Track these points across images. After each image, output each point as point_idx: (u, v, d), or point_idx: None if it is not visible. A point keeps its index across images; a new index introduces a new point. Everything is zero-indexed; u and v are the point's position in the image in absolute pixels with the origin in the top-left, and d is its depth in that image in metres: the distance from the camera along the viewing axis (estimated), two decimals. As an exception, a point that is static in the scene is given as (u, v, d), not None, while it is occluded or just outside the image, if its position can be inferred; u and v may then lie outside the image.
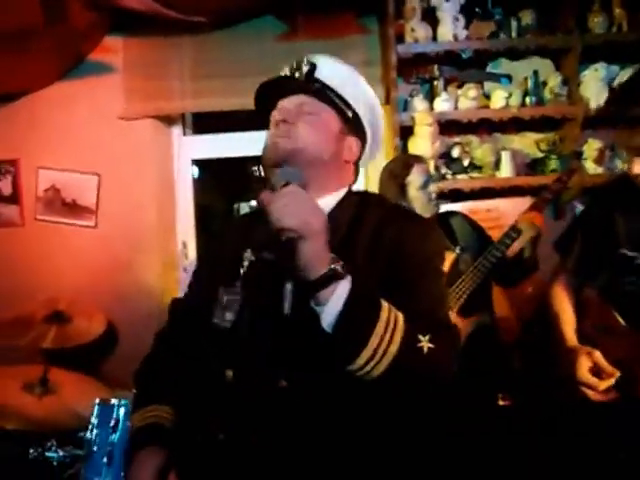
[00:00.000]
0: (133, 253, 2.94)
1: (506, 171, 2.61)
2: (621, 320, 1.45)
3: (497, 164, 2.64)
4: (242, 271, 1.09)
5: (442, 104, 2.58)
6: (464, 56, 2.55)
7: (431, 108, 2.63)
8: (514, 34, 2.56)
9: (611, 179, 1.58)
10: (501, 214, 2.78)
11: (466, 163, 2.66)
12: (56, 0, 2.45)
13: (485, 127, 2.70)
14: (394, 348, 0.91)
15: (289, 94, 1.12)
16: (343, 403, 1.02)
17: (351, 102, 1.14)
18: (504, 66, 2.68)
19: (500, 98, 2.56)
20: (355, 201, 1.13)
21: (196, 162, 3.20)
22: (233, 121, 3.16)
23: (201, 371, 1.14)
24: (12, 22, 2.43)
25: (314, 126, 1.08)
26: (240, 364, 1.05)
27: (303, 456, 1.01)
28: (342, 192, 1.15)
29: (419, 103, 2.63)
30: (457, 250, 2.11)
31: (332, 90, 1.12)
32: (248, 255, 1.10)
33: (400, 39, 2.59)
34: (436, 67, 2.64)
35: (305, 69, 1.11)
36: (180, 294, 3.02)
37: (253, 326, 1.04)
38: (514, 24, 2.55)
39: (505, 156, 2.61)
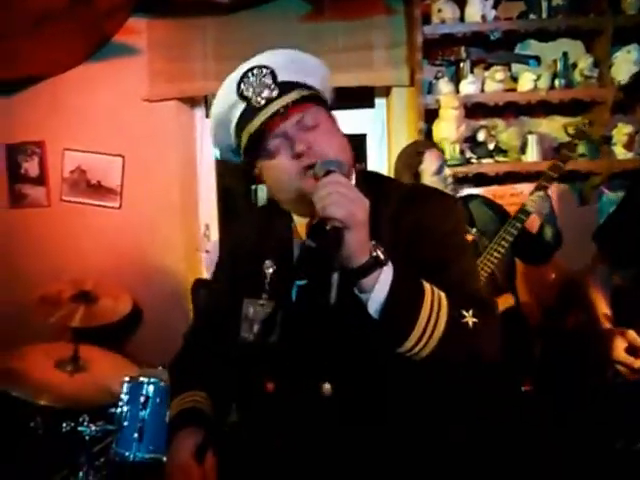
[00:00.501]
0: (156, 234, 2.97)
1: (532, 155, 2.57)
2: None
3: (523, 148, 2.60)
4: (267, 282, 1.10)
5: (468, 87, 2.54)
6: (492, 37, 2.50)
7: (457, 91, 2.59)
8: (544, 14, 2.49)
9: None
10: (526, 198, 2.75)
11: (491, 147, 2.63)
12: (81, -19, 2.45)
13: (512, 110, 2.66)
14: (441, 326, 0.92)
15: (276, 119, 1.02)
16: (386, 408, 1.04)
17: (315, 85, 1.09)
18: (533, 48, 2.62)
19: (528, 80, 2.51)
20: (368, 184, 1.10)
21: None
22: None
23: (237, 382, 1.16)
24: (37, 4, 2.44)
25: (327, 138, 1.04)
26: (280, 374, 1.07)
27: (349, 463, 1.03)
28: (353, 175, 1.12)
29: (444, 85, 2.59)
30: (474, 233, 2.10)
31: (301, 84, 1.05)
32: (269, 264, 1.11)
33: (426, 20, 2.55)
34: (463, 49, 2.59)
35: (269, 80, 1.02)
36: (202, 275, 3.09)
37: (291, 333, 1.05)
38: (544, 4, 2.48)
39: (531, 140, 2.57)
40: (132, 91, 2.89)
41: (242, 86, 1.02)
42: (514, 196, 2.75)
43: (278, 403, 1.07)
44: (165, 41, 2.88)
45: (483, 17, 2.48)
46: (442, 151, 2.45)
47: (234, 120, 1.05)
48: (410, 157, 2.15)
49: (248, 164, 1.11)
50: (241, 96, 1.02)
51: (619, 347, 1.43)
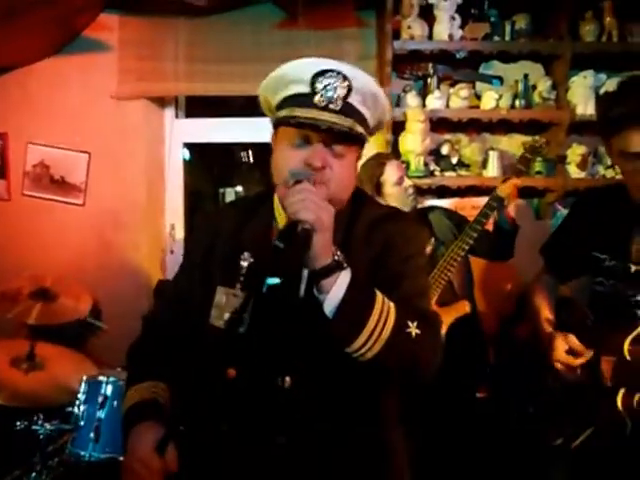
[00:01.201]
0: (121, 233, 2.94)
1: (493, 171, 2.68)
2: (590, 316, 1.60)
3: (484, 163, 2.71)
4: (242, 272, 1.13)
5: (434, 102, 2.64)
6: (458, 56, 2.60)
7: (423, 105, 2.68)
8: (507, 37, 2.61)
9: (588, 188, 1.68)
10: (486, 212, 2.86)
11: (454, 161, 2.73)
12: (53, -26, 2.43)
13: (475, 126, 2.76)
14: (387, 332, 0.99)
15: (320, 131, 1.04)
16: (340, 406, 1.10)
17: (370, 123, 1.12)
18: (496, 68, 2.74)
19: (490, 99, 2.62)
20: (351, 201, 1.17)
21: (186, 145, 3.21)
22: (226, 106, 3.17)
23: (196, 365, 1.18)
24: (6, -6, 2.40)
25: (343, 172, 1.08)
26: (243, 362, 1.11)
27: (303, 454, 1.08)
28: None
29: (412, 99, 2.68)
30: (432, 243, 2.17)
31: (361, 117, 1.08)
32: (246, 256, 1.14)
33: (397, 35, 2.63)
34: (430, 65, 2.69)
35: (340, 93, 1.03)
36: (167, 276, 3.07)
37: (258, 324, 1.09)
38: (508, 27, 2.60)
39: (492, 156, 2.68)
40: (101, 88, 2.86)
41: (318, 77, 1.03)
42: (475, 209, 2.82)
43: (237, 390, 1.11)
44: (136, 39, 2.87)
45: (450, 36, 2.58)
46: (405, 163, 2.54)
47: (290, 91, 1.07)
48: (372, 168, 2.20)
49: (273, 125, 1.14)
50: (312, 83, 1.04)
51: (560, 348, 1.55)
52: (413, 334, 1.01)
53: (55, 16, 2.65)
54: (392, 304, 1.02)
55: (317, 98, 1.03)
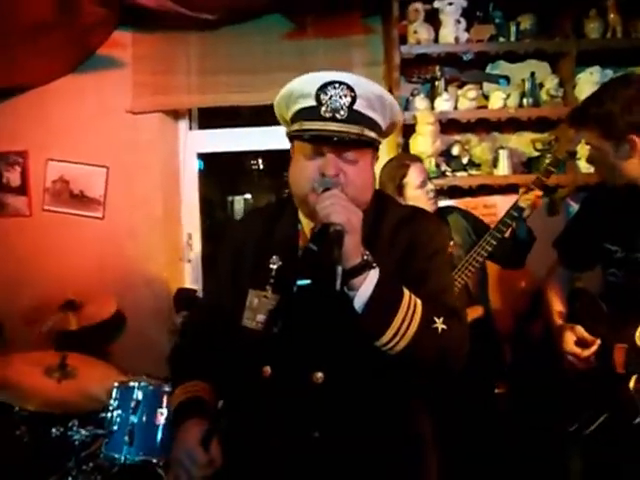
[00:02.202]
0: (139, 244, 3.01)
1: (503, 169, 2.72)
2: (604, 306, 1.63)
3: (495, 162, 2.75)
4: (272, 275, 1.20)
5: (443, 104, 2.68)
6: (465, 58, 2.65)
7: (432, 107, 2.73)
8: (513, 38, 2.66)
9: (598, 182, 1.72)
10: (499, 210, 2.90)
11: (465, 161, 2.77)
12: (68, -5, 2.51)
13: (484, 126, 2.80)
14: (414, 327, 1.05)
15: (330, 138, 1.10)
16: (371, 401, 1.15)
17: (382, 125, 1.17)
18: (503, 68, 2.79)
19: (498, 99, 2.67)
20: (375, 202, 1.24)
21: (199, 155, 3.28)
22: (238, 116, 3.24)
23: (234, 366, 1.24)
24: (26, 17, 2.49)
25: (358, 176, 1.14)
26: (277, 361, 1.16)
27: (337, 448, 1.14)
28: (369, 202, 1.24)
29: (420, 102, 2.73)
30: (450, 244, 2.18)
31: (371, 121, 1.13)
32: (275, 260, 1.21)
33: (403, 40, 2.69)
34: (438, 68, 2.74)
35: (345, 101, 1.09)
36: (185, 284, 3.13)
37: (290, 324, 1.14)
38: (513, 28, 2.65)
39: (502, 154, 2.72)
40: (116, 103, 2.94)
41: (323, 90, 1.09)
42: (487, 207, 2.90)
43: (273, 387, 1.17)
44: (149, 54, 2.95)
45: (456, 39, 2.63)
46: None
47: (298, 105, 1.14)
48: (394, 169, 2.23)
49: (289, 138, 1.21)
50: (317, 96, 1.09)
51: (569, 340, 1.60)
52: (439, 329, 1.07)
53: (70, 36, 2.74)
54: (419, 300, 1.08)
55: (323, 110, 1.09)
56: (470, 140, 2.77)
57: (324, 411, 1.14)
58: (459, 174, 2.73)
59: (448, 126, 2.76)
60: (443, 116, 2.67)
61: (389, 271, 1.10)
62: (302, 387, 1.14)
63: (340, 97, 1.09)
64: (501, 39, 2.67)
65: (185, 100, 3.00)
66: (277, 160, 3.55)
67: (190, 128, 3.23)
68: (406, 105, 2.80)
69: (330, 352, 1.13)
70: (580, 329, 1.59)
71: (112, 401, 1.91)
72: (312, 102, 1.11)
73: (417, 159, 2.28)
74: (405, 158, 2.29)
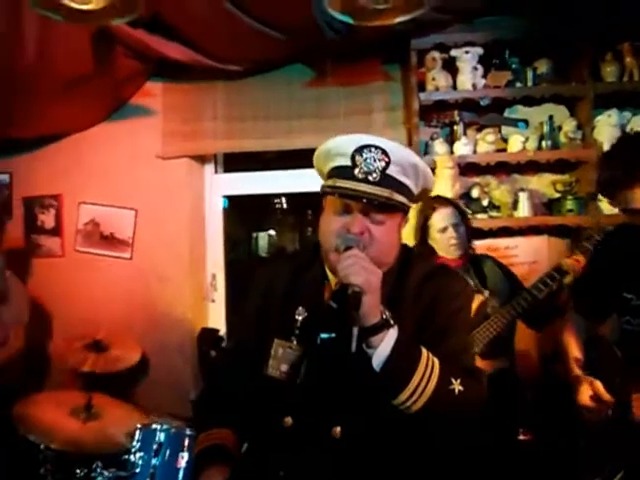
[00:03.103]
0: (166, 284, 3.09)
1: (523, 211, 2.73)
2: (619, 354, 1.62)
3: (515, 204, 2.76)
4: (297, 326, 1.23)
5: (462, 148, 2.73)
6: (482, 103, 2.70)
7: (451, 151, 2.77)
8: (530, 82, 2.71)
9: (614, 228, 1.72)
10: (520, 252, 2.89)
11: (485, 203, 2.79)
12: (105, 51, 2.67)
13: (504, 168, 2.83)
14: (431, 388, 1.08)
15: (360, 198, 1.14)
16: (390, 450, 1.16)
17: (414, 191, 1.21)
18: (520, 112, 2.83)
19: (517, 142, 2.70)
20: (400, 257, 1.27)
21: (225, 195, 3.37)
22: (261, 160, 3.35)
23: (257, 414, 1.27)
24: (65, 69, 2.65)
25: (384, 237, 1.17)
26: (299, 412, 1.19)
27: None
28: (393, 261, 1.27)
29: (439, 146, 2.78)
30: (486, 294, 2.20)
31: (402, 186, 1.17)
32: (300, 311, 1.25)
33: (422, 86, 2.76)
34: (456, 112, 2.80)
35: (379, 165, 1.14)
36: (209, 324, 3.19)
37: (313, 376, 1.18)
38: (530, 73, 2.70)
39: (522, 197, 2.73)
40: (146, 149, 3.08)
41: (359, 151, 1.15)
42: (508, 249, 2.89)
43: (293, 438, 1.19)
44: (179, 103, 3.10)
45: (474, 85, 2.69)
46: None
47: (334, 163, 1.20)
48: (421, 209, 2.26)
49: (321, 193, 1.25)
50: (352, 157, 1.15)
51: (585, 393, 1.59)
52: (456, 390, 1.09)
53: (105, 87, 2.91)
54: (437, 361, 1.10)
55: (357, 171, 1.15)
56: (490, 183, 2.80)
57: (341, 466, 1.15)
58: (479, 216, 2.75)
59: (467, 169, 2.80)
60: (462, 160, 2.71)
61: (411, 327, 1.14)
62: (321, 440, 1.16)
63: (375, 160, 1.15)
64: (518, 84, 2.72)
65: (211, 146, 3.12)
66: (300, 199, 3.64)
67: (215, 172, 3.34)
68: (425, 149, 2.85)
69: (349, 407, 1.15)
70: (598, 384, 1.57)
71: (135, 443, 1.94)
72: (348, 162, 1.16)
73: (447, 204, 2.28)
74: (434, 201, 2.30)
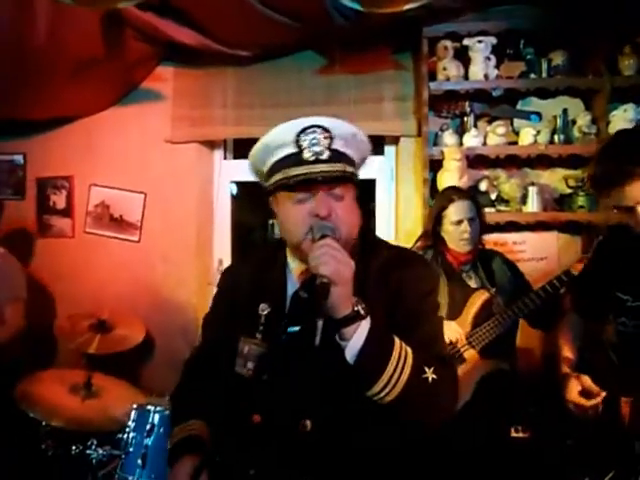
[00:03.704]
0: (172, 268, 3.12)
1: (532, 206, 2.67)
2: (614, 356, 1.60)
3: (524, 199, 2.71)
4: (261, 322, 1.22)
5: (471, 139, 2.68)
6: (494, 94, 2.65)
7: (460, 143, 2.73)
8: (544, 74, 2.64)
9: (612, 227, 1.68)
10: (528, 247, 2.84)
11: (494, 197, 2.74)
12: (115, 34, 2.68)
13: (514, 162, 2.77)
14: (404, 377, 1.06)
15: (317, 182, 1.13)
16: (361, 441, 1.15)
17: (356, 161, 1.21)
18: (534, 104, 2.76)
19: (528, 135, 2.64)
20: (362, 243, 1.25)
21: (235, 182, 3.38)
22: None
23: (227, 412, 1.27)
24: (75, 53, 2.68)
25: (347, 213, 1.16)
26: (267, 408, 1.19)
27: None
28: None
29: (449, 137, 2.73)
30: (492, 291, 2.16)
31: (348, 158, 1.18)
32: (264, 307, 1.23)
33: (433, 76, 2.71)
34: (467, 103, 2.74)
35: (324, 142, 1.13)
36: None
37: (280, 371, 1.17)
38: (544, 65, 2.63)
39: (532, 191, 2.67)
40: (156, 133, 3.10)
41: (301, 135, 1.12)
42: (516, 244, 2.85)
43: (262, 434, 1.18)
44: (189, 88, 3.10)
45: (485, 76, 2.63)
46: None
47: (278, 155, 1.16)
48: (441, 199, 2.26)
49: (267, 193, 1.23)
50: (296, 143, 1.12)
51: (573, 389, 1.56)
52: (430, 379, 1.08)
53: (116, 71, 2.93)
54: (409, 349, 1.09)
55: (305, 154, 1.12)
56: (499, 176, 2.75)
57: (313, 459, 1.15)
58: (487, 210, 2.69)
59: (477, 161, 2.75)
60: (471, 152, 2.66)
61: (380, 312, 1.11)
62: (291, 435, 1.15)
63: (319, 140, 1.13)
64: (532, 76, 2.65)
65: (221, 131, 3.12)
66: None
67: (225, 158, 3.35)
68: (435, 140, 2.81)
69: (318, 400, 1.14)
70: (586, 379, 1.55)
71: (130, 423, 1.96)
72: (292, 149, 1.14)
73: (465, 197, 2.24)
74: (453, 193, 2.27)
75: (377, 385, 1.06)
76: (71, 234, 3.21)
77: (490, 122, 2.78)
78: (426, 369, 1.08)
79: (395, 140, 3.07)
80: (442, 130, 2.79)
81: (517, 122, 2.78)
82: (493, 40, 2.61)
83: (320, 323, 1.03)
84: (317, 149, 1.12)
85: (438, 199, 2.28)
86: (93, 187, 3.18)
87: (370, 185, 3.18)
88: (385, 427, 1.15)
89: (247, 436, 1.20)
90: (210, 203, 3.29)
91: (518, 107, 2.77)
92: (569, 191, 2.76)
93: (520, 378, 2.34)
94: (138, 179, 3.14)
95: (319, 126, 1.13)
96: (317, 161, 1.12)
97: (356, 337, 1.05)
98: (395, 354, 1.06)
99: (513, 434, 2.33)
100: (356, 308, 1.06)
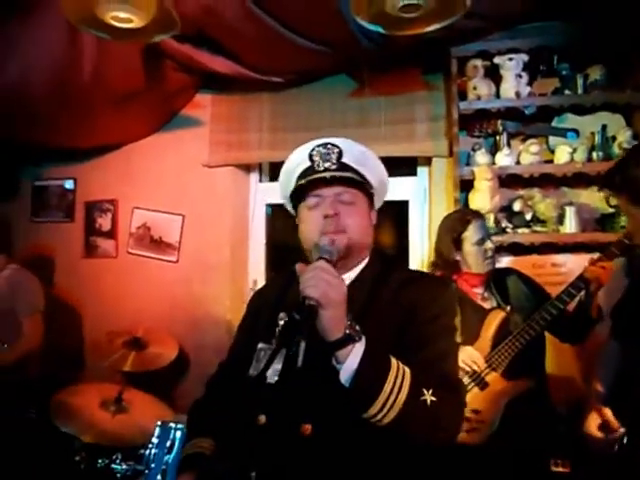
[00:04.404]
0: (208, 287, 3.20)
1: (570, 226, 2.56)
2: None
3: (561, 219, 2.60)
4: (277, 330, 1.26)
5: (504, 159, 2.61)
6: (527, 112, 2.58)
7: (493, 162, 2.67)
8: (580, 90, 2.55)
9: None
10: (568, 270, 2.71)
11: (529, 217, 2.65)
12: (155, 66, 2.83)
13: (551, 181, 2.67)
14: (401, 401, 1.05)
15: (325, 184, 1.25)
16: (360, 449, 1.14)
17: (370, 181, 1.31)
18: (571, 121, 2.66)
19: (564, 153, 2.55)
20: (379, 263, 1.32)
21: (270, 205, 3.44)
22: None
23: (238, 415, 1.30)
24: (118, 85, 2.84)
25: (357, 216, 1.26)
26: (271, 410, 1.21)
27: None
28: (368, 254, 1.33)
29: (481, 157, 2.68)
30: (507, 309, 2.09)
31: (359, 174, 1.28)
32: (282, 316, 1.28)
33: (464, 96, 2.69)
34: (499, 122, 2.69)
35: (334, 156, 1.26)
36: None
37: (284, 378, 1.16)
38: (580, 80, 2.54)
39: (569, 211, 2.56)
40: (194, 158, 3.22)
41: (313, 151, 1.28)
42: (555, 266, 2.73)
43: (265, 436, 1.20)
44: (226, 114, 3.22)
45: (517, 93, 2.57)
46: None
47: (296, 173, 1.31)
48: (454, 222, 2.19)
49: (293, 207, 1.37)
50: (310, 158, 1.28)
51: (592, 422, 1.51)
52: (428, 401, 1.06)
53: (157, 100, 3.08)
54: (408, 371, 1.07)
55: (316, 166, 1.26)
56: (533, 196, 2.65)
57: (312, 463, 1.15)
58: (520, 230, 2.61)
59: (511, 181, 2.68)
60: (503, 171, 2.60)
61: (391, 333, 1.14)
62: (291, 437, 1.16)
63: (329, 154, 1.27)
64: (566, 92, 2.57)
65: (256, 155, 3.21)
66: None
67: (260, 180, 3.43)
68: (468, 160, 2.77)
69: (319, 405, 1.15)
70: (607, 411, 1.47)
71: (154, 439, 2.01)
72: (306, 164, 1.29)
73: (480, 216, 2.21)
74: (468, 213, 2.24)
75: (373, 408, 1.05)
76: (115, 254, 3.37)
77: (524, 141, 2.71)
78: (424, 391, 1.06)
79: (428, 161, 3.04)
80: (474, 150, 2.74)
81: (553, 140, 2.69)
82: (524, 57, 2.56)
83: (302, 345, 1.03)
84: (327, 163, 1.26)
85: (451, 223, 2.20)
86: (135, 210, 3.33)
87: (403, 207, 3.16)
88: (386, 435, 1.12)
89: (251, 437, 1.22)
90: (246, 225, 3.37)
91: (554, 124, 2.69)
92: (611, 210, 2.63)
93: (558, 409, 2.22)
94: (177, 202, 3.26)
95: (329, 143, 1.28)
96: (326, 170, 1.25)
97: (350, 360, 1.05)
98: (391, 377, 1.05)
99: (553, 468, 2.21)
100: (348, 331, 1.06)
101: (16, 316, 2.62)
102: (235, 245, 3.27)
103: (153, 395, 2.55)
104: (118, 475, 1.99)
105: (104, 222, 3.39)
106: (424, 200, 3.10)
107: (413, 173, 3.17)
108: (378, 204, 1.41)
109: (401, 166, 3.14)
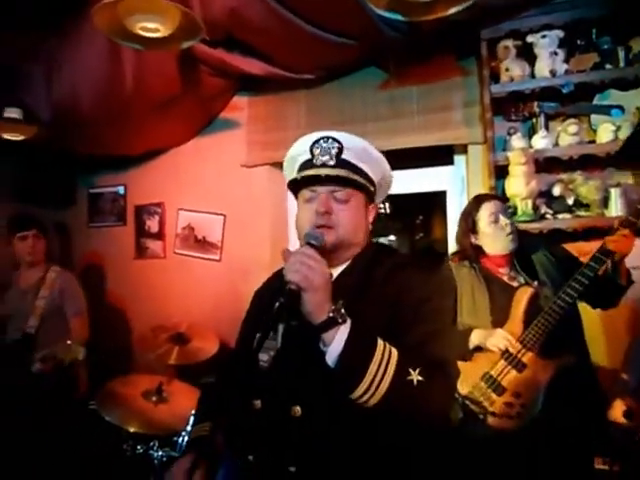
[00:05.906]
0: (250, 285, 3.21)
1: (616, 209, 2.40)
2: None
3: (605, 202, 2.44)
4: (273, 314, 1.27)
5: (540, 141, 2.50)
6: (564, 91, 2.44)
7: (530, 146, 2.55)
8: (622, 63, 2.38)
9: None
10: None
11: (570, 201, 2.51)
12: (191, 72, 2.95)
13: (593, 162, 2.52)
14: (387, 381, 1.06)
15: (322, 182, 1.25)
16: (351, 431, 1.15)
17: (371, 176, 1.30)
18: (614, 97, 2.49)
19: (607, 132, 2.39)
20: (371, 251, 1.32)
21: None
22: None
23: (239, 401, 1.34)
24: (159, 94, 2.98)
25: (349, 214, 1.26)
26: (266, 394, 1.25)
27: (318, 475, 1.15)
28: (360, 249, 1.33)
29: (517, 141, 2.57)
30: (534, 285, 2.00)
31: (359, 170, 1.27)
32: (279, 302, 1.29)
33: (498, 79, 2.59)
34: (536, 104, 2.56)
35: (334, 151, 1.25)
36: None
37: (280, 359, 1.22)
38: (621, 53, 2.38)
39: (614, 193, 2.40)
40: (233, 159, 3.32)
41: (315, 144, 1.29)
42: (603, 252, 2.56)
43: (261, 419, 1.24)
44: (263, 114, 3.29)
45: (552, 72, 2.45)
46: (512, 207, 2.43)
47: (298, 162, 1.35)
48: (469, 207, 2.17)
49: (293, 194, 1.39)
50: (310, 151, 1.29)
51: (617, 409, 1.47)
52: (415, 382, 1.06)
53: (196, 105, 3.20)
54: (395, 352, 1.08)
55: (315, 160, 1.27)
56: (574, 179, 2.51)
57: (301, 445, 1.16)
58: (561, 216, 2.48)
59: (551, 165, 2.55)
60: (540, 155, 2.47)
61: (381, 316, 1.14)
62: (283, 420, 1.19)
63: (329, 149, 1.26)
64: (607, 66, 2.41)
65: (291, 153, 3.24)
66: (402, 203, 3.57)
67: (298, 178, 3.46)
68: (504, 145, 2.66)
69: (307, 388, 1.17)
70: (632, 401, 1.35)
71: (188, 427, 2.10)
72: (307, 156, 1.31)
73: (493, 198, 2.16)
74: (480, 197, 2.19)
75: (358, 390, 1.06)
76: (163, 255, 3.53)
77: (565, 122, 2.57)
78: (411, 371, 1.06)
79: (464, 149, 2.96)
80: (510, 134, 2.63)
81: (595, 119, 2.53)
82: (560, 33, 2.43)
83: (281, 327, 1.05)
84: (326, 156, 1.26)
85: (467, 209, 2.18)
86: (180, 211, 3.47)
87: (441, 197, 3.10)
88: (374, 418, 1.12)
89: (249, 421, 1.26)
90: (284, 222, 3.42)
91: (595, 101, 2.53)
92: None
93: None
94: (218, 202, 3.37)
95: (330, 137, 1.27)
96: (324, 166, 1.26)
97: (335, 342, 1.06)
98: (377, 358, 1.06)
99: (598, 465, 2.07)
100: (332, 314, 1.08)
101: (64, 315, 2.80)
102: (274, 243, 3.33)
103: (194, 387, 2.65)
104: (155, 461, 2.09)
105: (152, 224, 3.56)
106: (462, 189, 3.02)
107: (450, 162, 3.09)
108: (381, 198, 1.42)
109: (438, 156, 3.07)
